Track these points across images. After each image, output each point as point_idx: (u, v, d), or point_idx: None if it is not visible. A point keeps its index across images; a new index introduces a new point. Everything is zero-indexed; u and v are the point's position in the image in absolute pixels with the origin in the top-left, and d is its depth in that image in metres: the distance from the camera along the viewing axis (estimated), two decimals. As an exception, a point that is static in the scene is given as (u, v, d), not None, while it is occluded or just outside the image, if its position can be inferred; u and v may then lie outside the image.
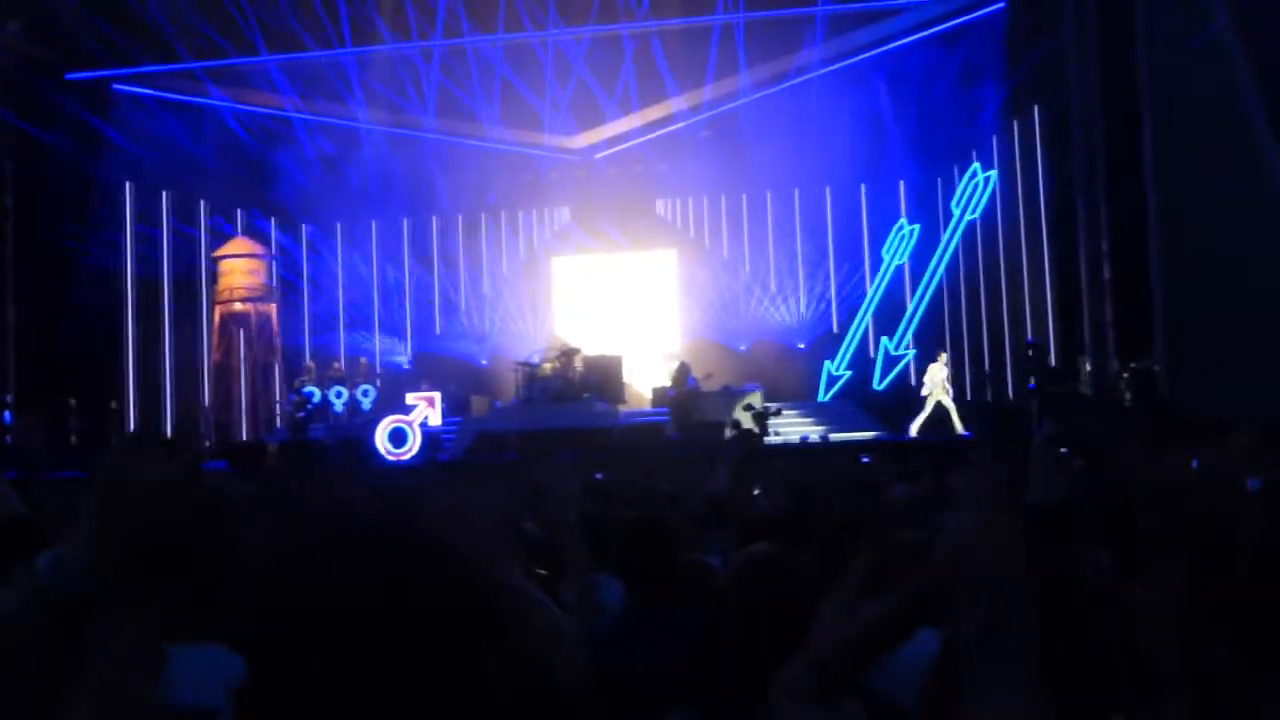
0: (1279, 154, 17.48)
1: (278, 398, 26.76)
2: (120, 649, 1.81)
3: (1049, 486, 3.99)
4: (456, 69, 25.61)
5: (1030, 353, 21.59)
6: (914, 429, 21.35)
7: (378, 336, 28.34)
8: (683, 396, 22.23)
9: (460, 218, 28.87)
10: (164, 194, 25.43)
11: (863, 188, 26.91)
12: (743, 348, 27.39)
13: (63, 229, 23.10)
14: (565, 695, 2.72)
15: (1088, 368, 21.39)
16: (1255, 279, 17.62)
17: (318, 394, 24.07)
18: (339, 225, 28.39)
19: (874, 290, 25.95)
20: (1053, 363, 21.79)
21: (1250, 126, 17.74)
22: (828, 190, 27.21)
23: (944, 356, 22.15)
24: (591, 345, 24.46)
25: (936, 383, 21.59)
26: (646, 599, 4.08)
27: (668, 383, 23.23)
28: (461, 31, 24.81)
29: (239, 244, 26.23)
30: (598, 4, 24.78)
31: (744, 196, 27.88)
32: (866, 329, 25.81)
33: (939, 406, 21.38)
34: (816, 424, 23.04)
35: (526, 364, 23.81)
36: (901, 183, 26.35)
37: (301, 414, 22.72)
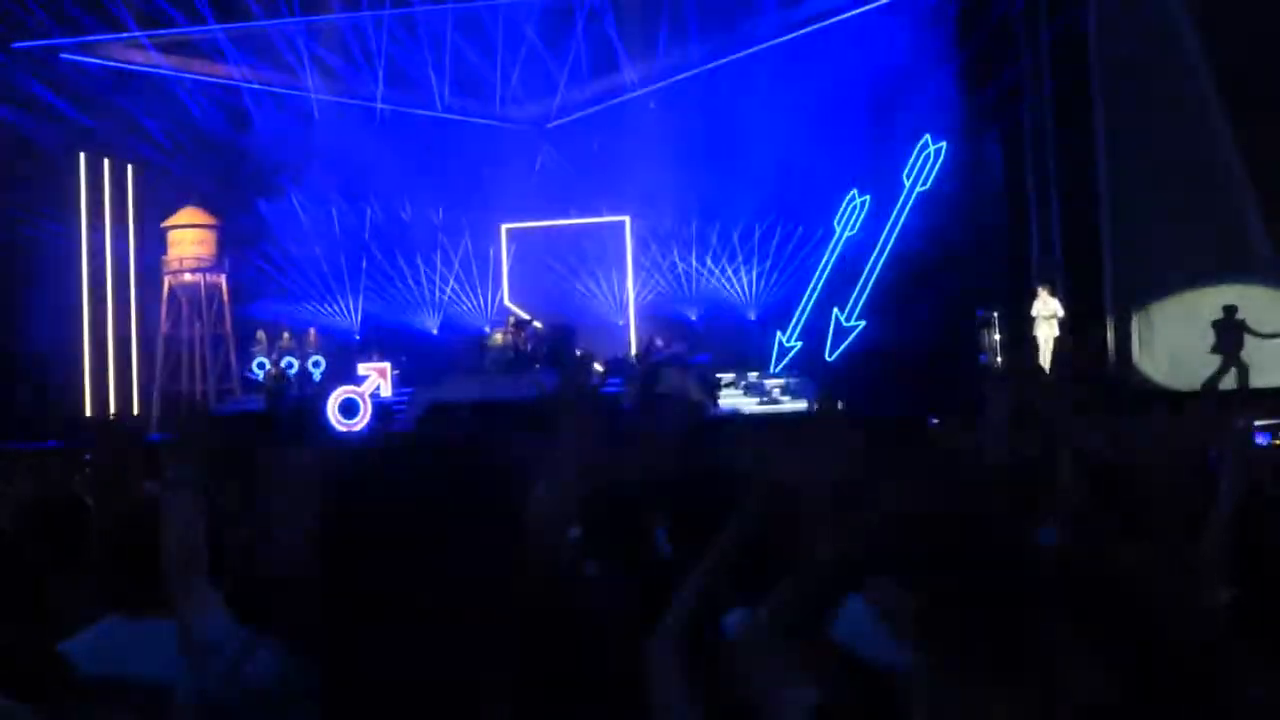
0: (1226, 123, 17.65)
1: (231, 369, 26.58)
2: None
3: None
4: (406, 38, 25.41)
5: None
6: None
7: (327, 307, 28.14)
8: (643, 368, 22.26)
9: (409, 186, 28.66)
10: (107, 163, 25.15)
11: (816, 159, 26.89)
12: (693, 317, 27.34)
13: (11, 200, 22.77)
14: None
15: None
16: (1203, 250, 17.82)
17: (296, 365, 24.04)
18: (289, 194, 28.08)
19: (825, 262, 25.95)
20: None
21: (1199, 96, 17.89)
22: (779, 162, 27.18)
23: (1043, 291, 21.14)
24: (543, 315, 24.39)
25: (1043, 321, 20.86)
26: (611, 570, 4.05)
27: (631, 353, 23.25)
28: (412, 1, 24.63)
29: (188, 214, 25.92)
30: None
31: (696, 166, 27.80)
32: (818, 300, 25.80)
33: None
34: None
35: (478, 335, 23.78)
36: (854, 154, 26.36)
37: (277, 385, 22.67)
